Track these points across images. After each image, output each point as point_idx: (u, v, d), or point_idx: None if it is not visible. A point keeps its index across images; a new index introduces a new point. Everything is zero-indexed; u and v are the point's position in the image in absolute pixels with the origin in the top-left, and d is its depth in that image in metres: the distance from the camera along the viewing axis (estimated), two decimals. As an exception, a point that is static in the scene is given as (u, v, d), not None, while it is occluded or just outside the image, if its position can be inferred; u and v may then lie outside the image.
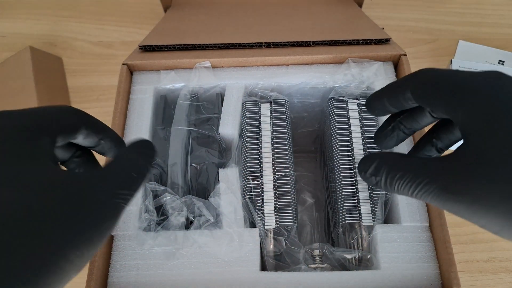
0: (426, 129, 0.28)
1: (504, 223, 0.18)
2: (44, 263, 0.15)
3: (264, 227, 0.33)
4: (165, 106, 0.40)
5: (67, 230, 0.16)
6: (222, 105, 0.38)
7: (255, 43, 0.41)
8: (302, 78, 0.39)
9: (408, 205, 0.32)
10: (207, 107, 0.39)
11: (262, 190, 0.34)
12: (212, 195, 0.33)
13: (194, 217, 0.33)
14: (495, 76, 0.21)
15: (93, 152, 0.24)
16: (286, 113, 0.38)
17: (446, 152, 0.27)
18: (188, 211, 0.33)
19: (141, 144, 0.22)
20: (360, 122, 0.36)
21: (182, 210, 0.32)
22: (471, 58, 0.61)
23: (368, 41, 0.40)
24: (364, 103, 0.37)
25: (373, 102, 0.28)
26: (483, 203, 0.18)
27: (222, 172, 0.34)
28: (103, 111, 0.57)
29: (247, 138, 0.36)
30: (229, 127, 0.36)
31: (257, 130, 0.37)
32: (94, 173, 0.18)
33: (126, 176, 0.19)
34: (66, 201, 0.16)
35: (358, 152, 0.35)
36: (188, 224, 0.34)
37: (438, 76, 0.23)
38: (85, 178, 0.18)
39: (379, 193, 0.33)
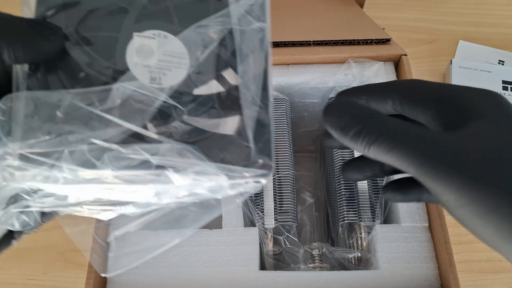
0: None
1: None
2: None
3: (263, 226, 0.33)
4: None
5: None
6: None
7: (255, 42, 0.40)
8: (303, 78, 0.39)
9: (408, 206, 0.32)
10: None
11: (262, 189, 0.34)
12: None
13: None
14: (494, 95, 0.18)
15: None
16: (286, 112, 0.38)
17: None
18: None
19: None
20: (360, 122, 0.36)
21: None
22: (471, 58, 0.61)
23: (369, 41, 0.40)
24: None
25: (349, 95, 0.22)
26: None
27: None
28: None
29: (247, 137, 0.36)
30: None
31: (257, 130, 0.37)
32: None
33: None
34: None
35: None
36: None
37: (432, 85, 0.20)
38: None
39: (378, 194, 0.33)
